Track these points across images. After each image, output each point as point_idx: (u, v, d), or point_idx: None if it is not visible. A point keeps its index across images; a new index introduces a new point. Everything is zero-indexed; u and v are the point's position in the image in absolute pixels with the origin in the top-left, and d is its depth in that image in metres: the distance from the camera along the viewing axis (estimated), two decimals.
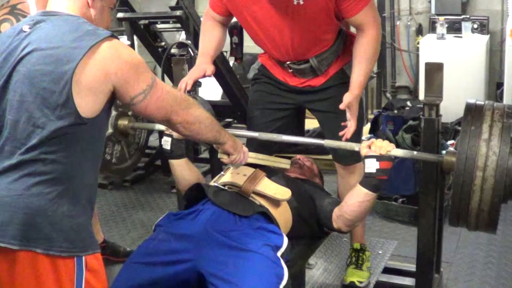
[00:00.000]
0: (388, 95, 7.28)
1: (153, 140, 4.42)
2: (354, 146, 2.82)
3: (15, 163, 1.96)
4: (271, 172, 2.95)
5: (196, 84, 4.17)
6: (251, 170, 2.90)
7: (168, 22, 5.50)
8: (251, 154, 2.90)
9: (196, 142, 3.36)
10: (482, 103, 2.61)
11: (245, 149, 2.80)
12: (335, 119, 3.07)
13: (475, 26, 6.65)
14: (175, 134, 2.99)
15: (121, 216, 5.05)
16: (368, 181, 2.69)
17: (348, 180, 3.24)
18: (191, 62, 4.29)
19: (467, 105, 2.61)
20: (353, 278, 3.37)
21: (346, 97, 2.90)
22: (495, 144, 2.44)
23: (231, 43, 5.55)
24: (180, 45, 4.87)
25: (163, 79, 4.66)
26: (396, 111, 5.66)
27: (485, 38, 6.56)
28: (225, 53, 5.15)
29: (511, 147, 2.46)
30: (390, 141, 4.87)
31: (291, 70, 3.19)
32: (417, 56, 7.00)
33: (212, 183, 2.95)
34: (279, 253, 2.55)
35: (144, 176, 5.85)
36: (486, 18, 6.68)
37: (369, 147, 2.69)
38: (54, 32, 1.99)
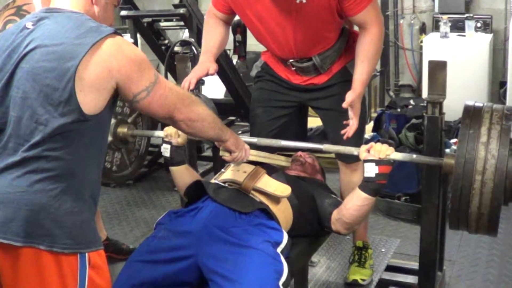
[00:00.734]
0: (391, 93, 7.27)
1: (155, 138, 4.41)
2: (353, 150, 2.81)
3: (18, 160, 1.96)
4: (272, 170, 2.95)
5: (200, 82, 4.19)
6: (251, 167, 2.90)
7: (171, 20, 5.50)
8: (253, 151, 2.90)
9: (199, 140, 3.36)
10: (481, 104, 2.59)
11: (247, 146, 2.81)
12: (338, 117, 3.07)
13: (479, 24, 6.63)
14: (174, 141, 3.01)
15: (124, 214, 5.05)
16: (367, 185, 2.67)
17: (351, 178, 3.25)
18: (195, 60, 4.30)
19: (466, 107, 2.59)
20: (356, 276, 3.37)
21: (348, 95, 2.90)
22: (494, 147, 2.42)
23: (235, 41, 5.57)
24: (184, 43, 4.87)
25: (166, 77, 4.65)
26: (399, 110, 5.65)
27: (489, 37, 6.55)
28: (228, 51, 5.16)
29: (510, 149, 2.44)
30: (393, 140, 4.94)
31: (294, 68, 3.19)
32: (421, 54, 6.99)
33: (212, 181, 2.95)
34: (279, 249, 2.55)
35: (147, 174, 5.85)
36: (490, 17, 6.67)
37: (368, 151, 2.68)
38: (58, 29, 2.00)
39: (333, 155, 3.48)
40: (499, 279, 3.82)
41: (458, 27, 6.63)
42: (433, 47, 6.51)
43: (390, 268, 3.64)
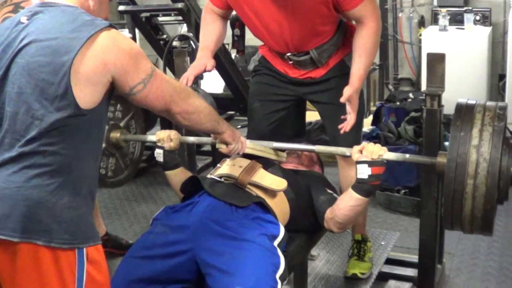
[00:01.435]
0: (391, 87, 7.27)
1: (154, 133, 4.41)
2: (345, 151, 2.81)
3: (14, 155, 1.95)
4: (268, 164, 2.95)
5: (198, 77, 4.18)
6: (247, 162, 2.89)
7: (169, 15, 5.50)
8: (249, 144, 2.90)
9: (198, 134, 3.35)
10: (473, 103, 2.55)
11: (243, 139, 2.81)
12: (336, 110, 3.07)
13: (478, 18, 6.63)
14: (166, 146, 3.00)
15: (123, 209, 5.05)
16: (360, 186, 2.66)
17: (349, 172, 3.24)
18: (193, 54, 4.29)
19: (457, 106, 2.56)
20: (355, 270, 3.37)
21: (346, 90, 2.89)
22: (486, 151, 2.39)
23: (233, 35, 5.57)
24: (182, 37, 4.87)
25: (165, 72, 4.64)
26: (398, 103, 5.65)
27: (488, 30, 6.54)
28: (227, 46, 5.15)
29: (502, 150, 2.41)
30: (393, 133, 4.94)
31: (291, 62, 3.19)
32: (419, 48, 6.98)
33: (208, 176, 2.94)
34: (275, 242, 2.55)
35: (146, 169, 5.84)
36: (489, 9, 6.67)
37: (361, 151, 2.66)
38: (52, 23, 1.98)
39: None
40: (499, 272, 3.82)
41: (457, 20, 6.63)
42: (432, 40, 6.51)
43: (389, 261, 3.64)
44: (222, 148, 2.79)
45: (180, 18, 5.31)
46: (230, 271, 2.39)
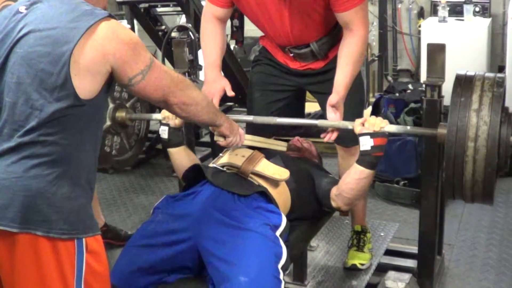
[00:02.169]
0: (390, 78, 7.25)
1: (154, 124, 4.40)
2: (348, 125, 2.82)
3: (13, 145, 1.95)
4: (269, 154, 2.95)
5: (197, 68, 4.18)
6: (249, 152, 2.90)
7: (168, 6, 5.48)
8: (248, 136, 2.91)
9: (198, 126, 3.36)
10: (473, 73, 2.60)
11: (241, 131, 2.82)
12: None
13: (477, 9, 6.61)
14: (171, 123, 3.00)
15: (122, 200, 5.05)
16: (364, 158, 2.70)
17: (349, 162, 3.22)
18: (192, 45, 4.28)
19: (457, 76, 2.61)
20: (355, 260, 3.37)
21: (333, 97, 2.89)
22: (486, 114, 2.43)
23: (232, 26, 5.55)
24: (181, 28, 4.84)
25: (163, 63, 4.64)
26: (397, 94, 5.64)
27: (487, 21, 6.52)
28: (226, 36, 5.14)
29: (502, 116, 2.45)
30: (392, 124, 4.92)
31: (292, 54, 3.19)
32: (419, 39, 6.96)
33: (211, 165, 2.95)
34: (277, 232, 2.55)
35: (145, 160, 5.85)
36: (488, 1, 6.64)
37: (363, 124, 2.71)
38: (51, 12, 1.97)
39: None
40: (499, 263, 3.82)
41: (456, 11, 6.61)
42: (432, 31, 6.48)
43: (389, 252, 3.64)
44: (220, 140, 2.80)
45: (178, 8, 5.30)
46: (232, 261, 2.39)
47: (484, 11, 6.63)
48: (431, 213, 3.08)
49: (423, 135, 2.91)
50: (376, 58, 7.05)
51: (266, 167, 2.82)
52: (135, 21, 5.59)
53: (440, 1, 6.54)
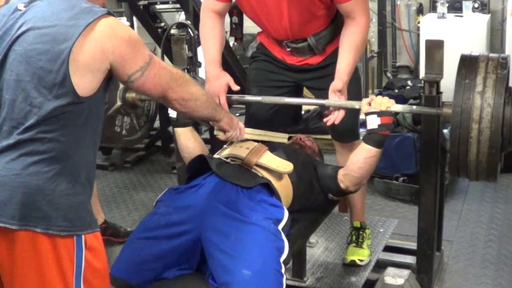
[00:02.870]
0: (389, 74, 7.26)
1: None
2: (355, 104, 2.87)
3: (13, 142, 1.95)
4: (273, 147, 2.96)
5: (196, 64, 4.18)
6: (253, 144, 2.91)
7: (167, 3, 5.50)
8: (248, 130, 2.92)
9: (197, 121, 3.36)
10: (477, 54, 2.64)
11: (241, 125, 2.84)
12: None
13: (476, 5, 6.61)
14: None
15: (122, 197, 5.06)
16: (371, 137, 2.74)
17: (347, 158, 3.24)
18: (191, 42, 4.28)
19: (462, 57, 2.65)
20: (354, 256, 3.37)
21: (337, 83, 2.92)
22: (490, 96, 2.48)
23: (231, 23, 5.56)
24: (180, 25, 4.84)
25: (163, 60, 4.64)
26: (396, 91, 5.65)
27: (486, 17, 6.52)
28: (225, 33, 5.14)
29: (505, 97, 2.50)
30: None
31: (289, 49, 3.19)
32: (418, 35, 6.97)
33: (215, 156, 2.94)
34: (279, 227, 2.56)
35: (145, 157, 5.85)
36: None
37: (369, 104, 2.76)
38: (50, 10, 1.98)
39: (330, 137, 3.47)
40: (498, 259, 3.83)
41: (455, 7, 6.62)
42: (431, 28, 6.49)
43: (388, 249, 3.64)
44: (220, 135, 2.81)
45: (178, 5, 5.30)
46: (235, 254, 2.40)
47: (483, 7, 6.63)
48: (430, 209, 3.08)
49: (428, 114, 2.92)
50: (375, 55, 7.06)
51: (270, 159, 2.83)
52: (135, 18, 5.60)
53: None
